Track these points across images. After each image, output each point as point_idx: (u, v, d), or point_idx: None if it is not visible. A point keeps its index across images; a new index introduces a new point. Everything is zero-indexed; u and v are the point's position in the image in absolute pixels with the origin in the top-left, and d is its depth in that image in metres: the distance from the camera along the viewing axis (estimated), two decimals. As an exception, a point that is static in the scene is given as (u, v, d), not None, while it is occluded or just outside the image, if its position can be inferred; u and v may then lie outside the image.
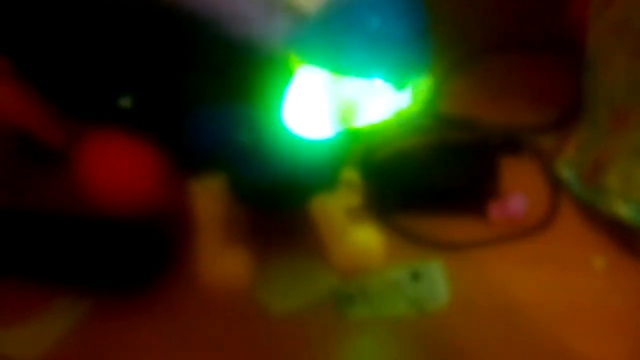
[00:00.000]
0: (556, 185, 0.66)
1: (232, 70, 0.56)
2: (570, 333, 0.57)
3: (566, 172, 0.66)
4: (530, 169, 0.68)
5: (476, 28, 0.77)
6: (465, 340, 0.57)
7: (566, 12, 0.74)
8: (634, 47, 0.59)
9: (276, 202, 0.60)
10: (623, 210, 0.60)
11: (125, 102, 0.59)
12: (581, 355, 0.56)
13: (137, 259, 0.61)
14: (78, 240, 0.62)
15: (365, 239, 0.61)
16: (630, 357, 0.55)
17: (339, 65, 0.54)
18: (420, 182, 0.65)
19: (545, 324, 0.58)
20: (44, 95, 0.61)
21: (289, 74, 0.55)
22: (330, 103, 0.56)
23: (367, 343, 0.58)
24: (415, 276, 0.60)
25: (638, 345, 0.56)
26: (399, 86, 0.55)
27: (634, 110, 0.60)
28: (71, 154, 0.59)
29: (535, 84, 0.73)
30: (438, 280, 0.60)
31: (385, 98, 0.56)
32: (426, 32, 0.55)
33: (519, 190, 0.65)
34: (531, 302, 0.59)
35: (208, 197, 0.60)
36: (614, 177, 0.61)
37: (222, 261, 0.61)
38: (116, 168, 0.59)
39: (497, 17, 0.77)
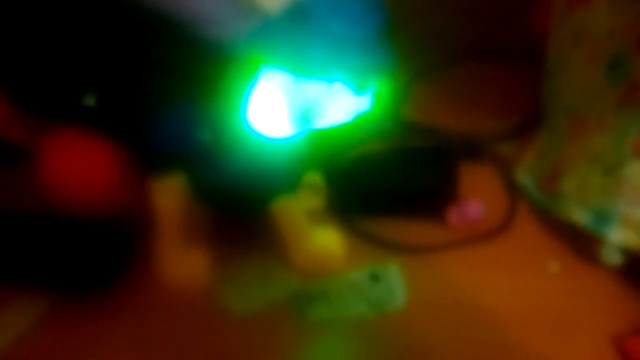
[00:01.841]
0: (514, 191, 0.67)
1: (194, 70, 0.56)
2: (525, 335, 0.58)
3: (524, 179, 0.67)
4: (489, 175, 0.69)
5: (440, 37, 0.78)
6: (423, 341, 0.58)
7: (528, 23, 0.76)
8: (591, 55, 0.61)
9: (236, 206, 0.60)
10: (578, 216, 0.61)
11: (90, 100, 0.59)
12: (536, 355, 0.57)
13: (98, 258, 0.61)
14: (38, 239, 0.61)
15: (326, 241, 0.62)
16: (583, 358, 0.56)
17: (300, 66, 0.54)
18: (381, 186, 0.65)
19: (501, 326, 0.58)
20: (6, 93, 0.60)
21: (251, 74, 0.55)
22: (291, 104, 0.56)
23: (327, 343, 0.59)
24: (375, 278, 0.61)
25: (591, 346, 0.57)
26: (360, 89, 0.56)
27: (591, 117, 0.61)
28: (33, 152, 0.59)
29: (497, 92, 0.75)
30: (396, 282, 0.61)
31: (346, 100, 0.57)
32: (387, 37, 0.56)
33: (478, 196, 0.66)
34: (487, 304, 0.60)
35: (170, 196, 0.60)
36: (570, 183, 0.62)
37: (182, 261, 0.61)
38: (78, 166, 0.59)
39: (461, 27, 0.78)
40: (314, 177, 0.63)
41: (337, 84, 0.56)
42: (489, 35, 0.78)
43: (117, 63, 0.58)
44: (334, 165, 0.66)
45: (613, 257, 0.59)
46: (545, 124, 0.67)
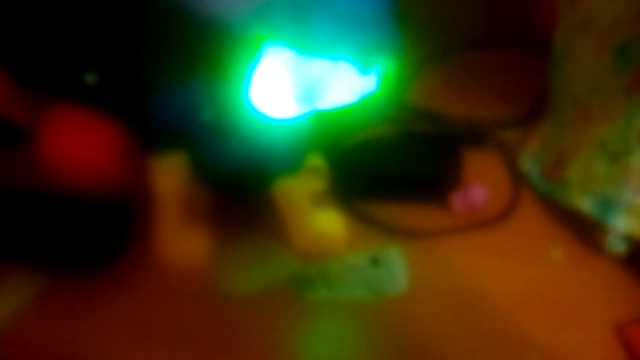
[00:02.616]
0: (518, 178, 0.67)
1: (196, 48, 0.56)
2: (527, 322, 0.57)
3: (528, 166, 0.66)
4: (493, 162, 0.68)
5: (447, 24, 0.77)
6: (422, 326, 0.57)
7: (535, 10, 0.75)
8: (599, 44, 0.60)
9: (237, 185, 0.60)
10: (583, 203, 0.60)
11: (91, 78, 0.59)
12: (537, 343, 0.56)
13: (96, 236, 0.60)
14: (37, 216, 0.61)
15: (327, 224, 0.61)
16: (584, 346, 0.56)
17: (305, 43, 0.54)
18: (384, 170, 0.65)
19: (502, 313, 0.58)
20: (8, 71, 0.60)
21: (253, 52, 0.55)
22: (295, 82, 0.56)
23: (326, 325, 0.58)
24: (375, 262, 0.60)
25: (592, 335, 0.56)
26: (365, 68, 0.56)
27: (597, 104, 0.60)
28: (34, 130, 0.59)
29: (503, 79, 0.74)
30: (397, 266, 0.60)
31: (351, 80, 0.57)
32: (394, 17, 0.55)
33: (481, 182, 0.65)
34: (489, 291, 0.59)
35: (170, 176, 0.60)
36: (574, 171, 0.61)
37: (182, 241, 0.60)
38: (78, 144, 0.59)
39: (468, 14, 0.78)
40: (317, 160, 0.63)
41: (342, 63, 0.55)
42: (495, 22, 0.77)
43: (118, 41, 0.58)
44: (337, 148, 0.65)
45: (617, 245, 0.59)
46: (550, 111, 0.67)
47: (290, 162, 0.60)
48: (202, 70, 0.57)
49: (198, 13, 0.56)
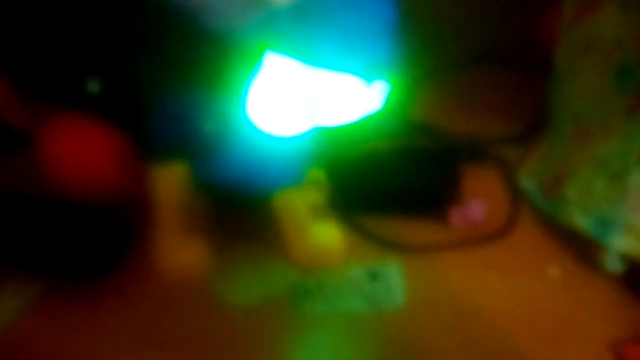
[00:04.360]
0: (516, 195, 0.67)
1: (197, 59, 0.56)
2: (523, 339, 0.57)
3: (527, 183, 0.66)
4: (492, 178, 0.69)
5: (449, 40, 0.77)
6: (419, 341, 0.57)
7: (535, 29, 0.76)
8: (600, 64, 0.60)
9: (236, 198, 0.60)
10: (581, 221, 0.61)
11: (92, 86, 0.59)
12: (533, 359, 0.56)
13: (96, 244, 0.60)
14: (37, 223, 0.61)
15: (326, 237, 0.61)
16: (580, 365, 0.56)
17: (308, 57, 0.54)
18: (384, 184, 0.65)
19: (498, 329, 0.58)
20: (9, 78, 0.60)
21: (256, 63, 0.55)
22: (297, 96, 0.56)
23: (323, 339, 0.58)
24: (373, 276, 0.61)
25: (588, 352, 0.56)
26: (369, 82, 0.56)
27: (596, 124, 0.61)
28: (34, 136, 0.59)
29: (503, 96, 0.74)
30: (395, 280, 0.60)
31: (355, 95, 0.57)
32: (398, 32, 0.56)
33: (480, 198, 0.65)
34: (486, 307, 0.59)
35: (170, 185, 0.60)
36: (573, 189, 0.61)
37: (181, 251, 0.60)
38: (78, 152, 0.59)
39: (469, 32, 0.78)
40: (316, 172, 0.63)
41: (346, 77, 0.56)
42: (496, 40, 0.78)
43: (120, 50, 0.58)
44: (337, 161, 0.66)
45: (614, 264, 0.59)
46: (550, 129, 0.67)
47: (290, 175, 0.60)
48: (204, 80, 0.57)
49: (200, 23, 0.56)
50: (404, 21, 0.59)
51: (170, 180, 0.59)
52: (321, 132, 0.62)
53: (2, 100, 0.62)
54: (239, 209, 0.61)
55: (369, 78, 0.57)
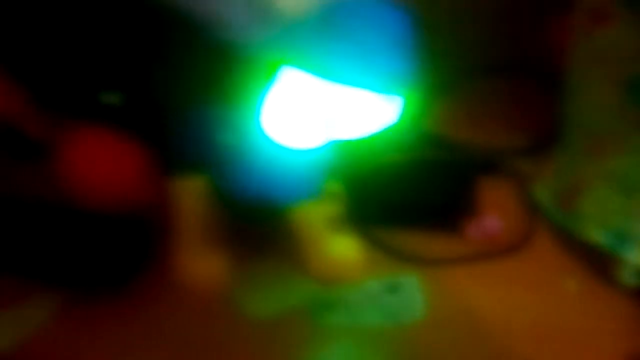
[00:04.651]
0: (532, 208, 0.67)
1: (216, 72, 0.57)
2: (539, 352, 0.58)
3: (542, 196, 0.67)
4: (507, 191, 0.69)
5: (463, 52, 0.78)
6: (438, 354, 0.58)
7: (548, 39, 0.76)
8: (612, 77, 0.61)
9: (254, 214, 0.60)
10: (597, 236, 0.61)
11: (111, 98, 0.59)
12: (550, 375, 0.57)
13: (117, 256, 0.61)
14: (58, 235, 0.61)
15: (344, 250, 0.62)
16: (598, 380, 0.57)
17: (324, 72, 0.54)
18: (400, 197, 0.66)
19: (515, 343, 0.58)
20: (27, 89, 0.60)
21: (273, 77, 0.55)
22: (314, 110, 0.56)
23: (342, 352, 0.58)
24: (392, 289, 0.61)
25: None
26: (386, 96, 0.56)
27: (610, 137, 0.61)
28: (52, 147, 0.59)
29: (517, 108, 0.75)
30: (414, 294, 0.61)
31: (371, 109, 0.57)
32: (415, 46, 0.56)
33: (496, 211, 0.66)
34: (503, 320, 0.60)
35: (190, 197, 0.60)
36: (588, 203, 0.62)
37: (201, 263, 0.61)
38: (98, 164, 0.59)
39: (483, 43, 0.79)
40: (334, 186, 0.63)
41: (362, 91, 0.56)
42: (510, 51, 0.78)
43: (140, 62, 0.58)
44: (354, 174, 0.66)
45: (630, 279, 0.59)
46: (564, 141, 0.68)
47: (307, 188, 0.60)
48: (222, 93, 0.57)
49: (218, 37, 0.56)
50: (419, 35, 0.59)
51: (190, 193, 0.60)
52: (338, 145, 0.62)
53: (19, 109, 0.62)
54: (257, 222, 0.62)
55: (385, 92, 0.57)
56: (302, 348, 0.58)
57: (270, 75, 0.57)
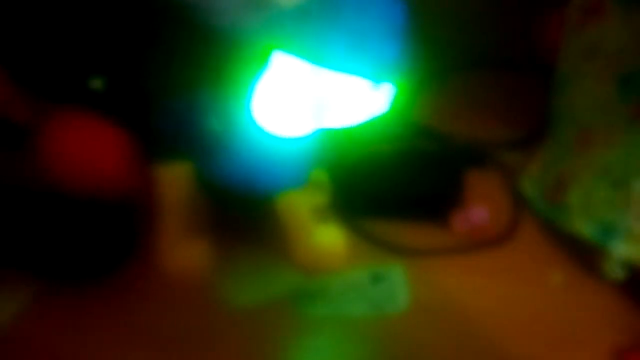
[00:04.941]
0: (518, 200, 0.67)
1: (204, 57, 0.56)
2: (525, 345, 0.57)
3: (529, 189, 0.67)
4: (494, 183, 0.69)
5: (453, 44, 0.78)
6: (421, 345, 0.57)
7: (539, 35, 0.76)
8: (603, 72, 0.61)
9: (238, 201, 0.60)
10: (583, 228, 0.61)
11: (96, 84, 0.59)
12: (534, 366, 0.56)
13: (99, 243, 0.60)
14: (41, 222, 0.60)
15: (328, 239, 0.61)
16: (582, 371, 0.56)
17: (315, 58, 0.54)
18: (387, 187, 0.65)
19: (500, 335, 0.58)
20: (10, 74, 0.60)
21: (262, 63, 0.55)
22: (303, 97, 0.56)
23: (325, 341, 0.58)
24: (376, 278, 0.61)
25: (589, 359, 0.57)
26: (376, 85, 0.56)
27: (599, 130, 0.61)
28: (37, 133, 0.58)
29: (506, 101, 0.75)
30: (398, 284, 0.60)
31: (361, 97, 0.57)
32: (406, 35, 0.56)
33: (483, 203, 0.65)
34: (488, 312, 0.59)
35: (174, 185, 0.59)
36: (575, 196, 0.62)
37: (184, 251, 0.60)
38: (82, 149, 0.58)
39: (474, 36, 0.78)
40: (320, 175, 0.63)
41: (353, 79, 0.55)
42: (500, 44, 0.78)
43: (125, 47, 0.58)
44: (340, 163, 0.65)
45: (616, 271, 0.59)
46: (552, 134, 0.67)
47: (293, 176, 0.59)
48: (209, 79, 0.57)
49: (207, 22, 0.56)
50: (411, 24, 0.59)
51: (174, 180, 0.59)
52: (325, 134, 0.62)
53: (3, 94, 0.61)
54: (241, 210, 0.61)
55: (376, 80, 0.57)
56: (286, 338, 0.58)
57: (261, 61, 0.56)
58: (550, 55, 0.68)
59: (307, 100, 0.57)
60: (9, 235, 0.60)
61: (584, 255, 0.61)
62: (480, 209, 0.65)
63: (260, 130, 0.57)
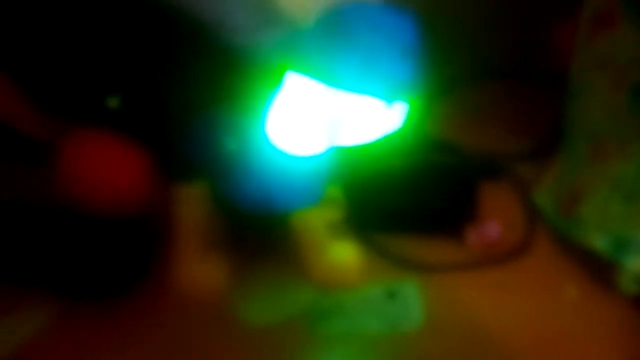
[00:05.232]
0: (533, 213, 0.67)
1: (220, 77, 0.56)
2: (538, 359, 0.57)
3: (543, 201, 0.67)
4: (508, 196, 0.69)
5: (464, 55, 0.77)
6: (436, 361, 0.58)
7: (551, 45, 0.76)
8: (615, 82, 0.60)
9: (255, 218, 0.60)
10: (597, 242, 0.61)
11: (113, 102, 0.59)
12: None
13: (117, 262, 0.60)
14: (58, 241, 0.61)
15: (343, 255, 0.61)
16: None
17: (329, 77, 0.54)
18: (400, 202, 0.65)
19: (515, 350, 0.58)
20: (30, 91, 0.60)
21: (277, 82, 0.55)
22: (318, 116, 0.56)
23: (340, 358, 0.58)
24: (391, 295, 0.61)
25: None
26: (390, 103, 0.56)
27: (612, 142, 0.61)
28: (55, 151, 0.59)
29: (518, 112, 0.75)
30: (413, 300, 0.61)
31: (375, 116, 0.57)
32: (420, 53, 0.56)
33: (497, 216, 0.65)
34: (503, 327, 0.59)
35: (191, 204, 0.60)
36: (589, 209, 0.61)
37: (200, 269, 0.61)
38: (99, 168, 0.59)
39: (485, 46, 0.78)
40: (334, 191, 0.63)
41: (367, 98, 0.56)
42: (512, 55, 0.78)
43: (142, 66, 0.58)
44: (354, 179, 0.66)
45: (630, 285, 0.59)
46: (566, 145, 0.67)
47: (309, 195, 0.60)
48: (225, 98, 0.57)
49: (223, 42, 0.56)
50: (423, 40, 0.59)
51: (191, 199, 0.59)
52: (339, 151, 0.62)
53: (21, 111, 0.62)
54: (257, 228, 0.62)
55: (389, 99, 0.57)
56: (301, 355, 0.58)
57: (275, 80, 0.56)
58: (563, 65, 0.68)
59: (320, 118, 0.58)
60: (26, 252, 0.61)
61: (599, 269, 0.61)
62: (494, 223, 0.65)
63: (275, 149, 0.57)
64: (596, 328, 0.59)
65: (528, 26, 0.77)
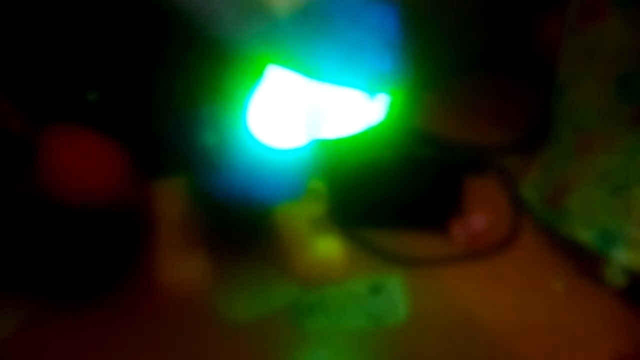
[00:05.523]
0: (518, 206, 0.66)
1: (200, 70, 0.56)
2: (526, 352, 0.57)
3: (529, 193, 0.66)
4: (493, 189, 0.68)
5: (450, 48, 0.77)
6: (421, 356, 0.57)
7: (537, 38, 0.75)
8: (602, 74, 0.60)
9: (237, 213, 0.59)
10: (584, 234, 0.60)
11: (92, 96, 0.58)
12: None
13: (97, 258, 0.60)
14: (33, 236, 0.60)
15: (327, 250, 0.61)
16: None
17: (311, 70, 0.54)
18: (384, 196, 0.65)
19: (501, 343, 0.58)
20: (8, 87, 0.60)
21: (258, 75, 0.54)
22: (299, 109, 0.56)
23: (324, 354, 0.58)
24: (375, 290, 0.60)
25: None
26: (372, 96, 0.56)
27: (599, 134, 0.60)
28: (35, 147, 0.58)
29: (504, 105, 0.74)
30: (397, 294, 0.60)
31: (357, 108, 0.56)
32: (401, 45, 0.55)
33: (482, 209, 0.65)
34: (489, 320, 0.59)
35: (171, 200, 0.59)
36: (575, 201, 0.61)
37: (182, 265, 0.60)
38: (78, 163, 0.58)
39: (471, 39, 0.78)
40: (317, 185, 0.62)
41: (348, 90, 0.55)
42: (498, 47, 0.77)
43: (121, 60, 0.57)
44: (338, 172, 0.65)
45: (617, 278, 0.59)
46: (552, 138, 0.67)
47: (291, 188, 0.59)
48: (205, 92, 0.57)
49: (203, 34, 0.55)
50: (406, 32, 0.58)
51: (172, 194, 0.59)
52: (321, 144, 0.61)
53: (1, 108, 0.61)
54: (239, 223, 0.61)
55: (371, 91, 0.57)
56: (285, 351, 0.58)
57: (256, 73, 0.56)
58: (550, 57, 0.67)
59: (302, 111, 0.57)
60: (4, 250, 0.60)
61: (585, 262, 0.61)
62: (479, 216, 0.64)
63: (256, 142, 0.57)
64: (582, 320, 0.59)
65: (513, 18, 0.76)
